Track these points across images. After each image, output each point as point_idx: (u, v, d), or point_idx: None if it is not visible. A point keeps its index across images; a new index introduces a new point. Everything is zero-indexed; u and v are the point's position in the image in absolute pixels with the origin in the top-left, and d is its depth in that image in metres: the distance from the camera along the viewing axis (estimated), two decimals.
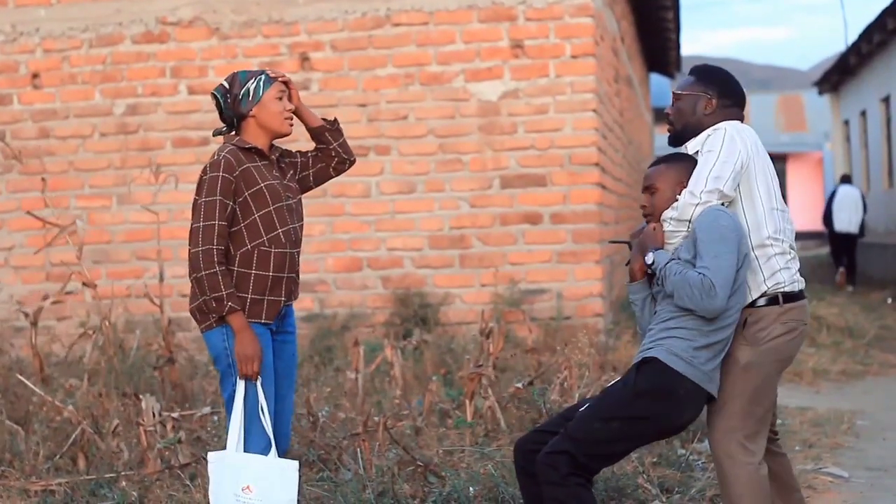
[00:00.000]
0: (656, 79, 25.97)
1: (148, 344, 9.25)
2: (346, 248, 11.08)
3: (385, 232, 11.05)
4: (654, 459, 6.66)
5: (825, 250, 23.72)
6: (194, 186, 4.93)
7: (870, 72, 23.73)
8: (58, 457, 6.78)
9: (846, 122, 27.63)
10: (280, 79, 5.00)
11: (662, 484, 6.28)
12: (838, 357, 11.45)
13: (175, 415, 6.93)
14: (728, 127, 4.71)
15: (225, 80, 5.03)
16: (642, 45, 19.89)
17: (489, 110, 10.94)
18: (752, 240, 4.64)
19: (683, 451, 6.94)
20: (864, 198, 21.17)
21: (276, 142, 5.09)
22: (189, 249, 4.85)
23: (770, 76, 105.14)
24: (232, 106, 4.96)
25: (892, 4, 19.62)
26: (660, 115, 29.90)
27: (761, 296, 4.65)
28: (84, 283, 8.02)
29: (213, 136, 5.18)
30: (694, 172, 4.65)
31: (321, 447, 6.61)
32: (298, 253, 5.05)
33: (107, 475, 6.48)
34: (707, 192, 4.56)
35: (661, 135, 32.51)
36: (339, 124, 5.24)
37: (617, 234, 12.56)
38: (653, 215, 4.76)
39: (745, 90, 5.00)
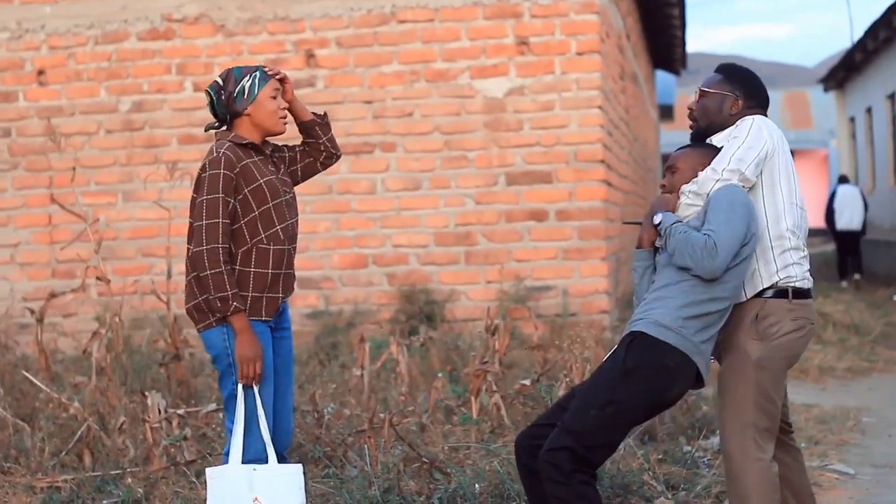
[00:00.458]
0: (662, 76, 25.94)
1: (154, 340, 9.26)
2: (352, 244, 11.08)
3: (391, 229, 11.05)
4: (660, 456, 6.66)
5: (830, 247, 23.76)
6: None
7: (875, 69, 23.70)
8: (63, 453, 6.79)
9: (852, 120, 27.60)
10: (276, 76, 4.97)
11: (668, 481, 6.27)
12: (844, 354, 11.44)
13: (181, 411, 6.92)
14: (756, 118, 4.76)
15: (219, 76, 4.97)
16: (648, 41, 19.87)
17: (495, 107, 10.93)
18: (769, 231, 4.66)
19: (689, 448, 6.93)
20: (864, 195, 21.28)
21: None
22: (191, 248, 4.80)
23: (775, 73, 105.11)
24: (226, 103, 4.91)
25: None
26: (665, 112, 29.89)
27: (771, 286, 4.66)
28: (98, 278, 8.02)
29: (205, 131, 5.13)
30: (719, 155, 4.68)
31: (327, 444, 6.61)
32: (295, 248, 5.02)
33: (112, 472, 6.48)
34: (729, 170, 4.60)
35: (667, 132, 32.58)
36: (328, 118, 5.22)
37: (622, 231, 12.55)
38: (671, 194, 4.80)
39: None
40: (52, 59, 11.41)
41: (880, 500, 6.46)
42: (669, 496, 6.07)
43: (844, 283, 19.97)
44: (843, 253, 20.98)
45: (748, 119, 4.76)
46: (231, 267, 4.77)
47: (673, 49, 21.58)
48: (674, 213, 4.70)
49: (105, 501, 6.19)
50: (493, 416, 7.05)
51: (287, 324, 5.11)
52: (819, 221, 21.59)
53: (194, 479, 6.22)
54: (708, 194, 4.61)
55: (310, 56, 11.14)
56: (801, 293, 4.71)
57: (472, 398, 7.07)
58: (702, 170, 4.72)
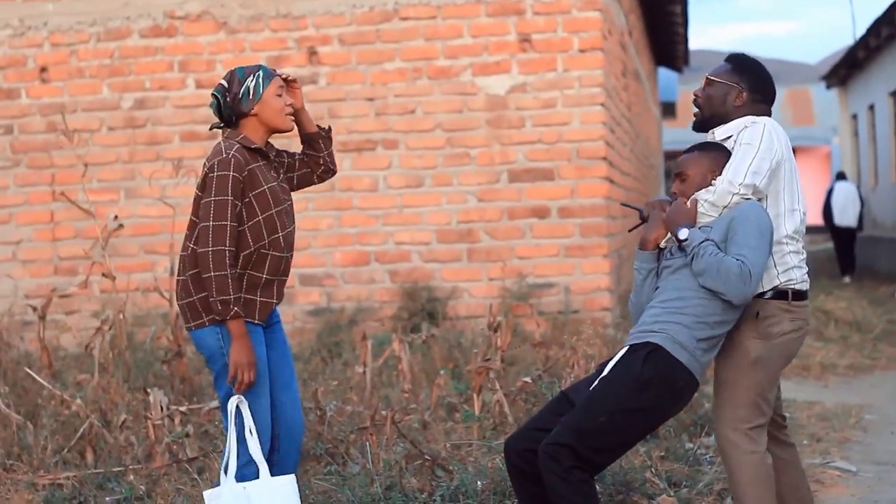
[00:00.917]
0: (664, 73, 25.93)
1: (156, 337, 9.26)
2: (354, 242, 11.08)
3: (393, 226, 11.05)
4: (662, 453, 6.67)
5: (832, 244, 23.81)
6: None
7: (878, 66, 23.67)
8: (66, 450, 6.79)
9: (854, 117, 27.57)
10: (284, 78, 4.97)
11: (670, 478, 6.28)
12: (846, 351, 11.44)
13: (183, 409, 6.94)
14: (767, 123, 4.73)
15: (224, 78, 4.95)
16: (650, 39, 19.86)
17: (497, 104, 10.93)
18: None
19: (691, 446, 6.94)
20: (860, 192, 21.38)
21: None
22: (190, 246, 4.81)
23: (778, 70, 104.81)
24: (232, 105, 4.89)
25: None
26: (668, 110, 29.88)
27: (772, 289, 4.67)
28: (104, 275, 8.03)
29: (210, 130, 5.12)
30: (732, 161, 4.66)
31: (329, 441, 6.62)
32: (292, 256, 5.02)
33: (115, 469, 6.49)
34: (745, 185, 4.58)
35: (669, 129, 32.57)
36: (331, 132, 5.21)
37: (624, 228, 12.55)
38: None
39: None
40: (54, 57, 11.41)
41: (882, 497, 6.46)
42: (671, 493, 6.07)
43: (847, 279, 20.02)
44: (841, 248, 21.11)
45: (760, 123, 4.72)
46: (234, 271, 4.76)
47: (675, 46, 21.58)
48: (695, 223, 4.67)
49: (107, 498, 6.20)
50: (496, 414, 7.05)
51: (276, 318, 5.10)
52: (818, 219, 21.68)
53: (196, 476, 6.23)
54: (726, 206, 4.60)
55: (312, 53, 11.14)
56: (799, 295, 4.73)
57: (474, 395, 7.08)
58: (712, 176, 4.69)
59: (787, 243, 4.70)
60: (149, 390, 6.79)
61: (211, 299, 4.73)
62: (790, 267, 4.69)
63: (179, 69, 11.28)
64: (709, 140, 4.90)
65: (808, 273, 4.81)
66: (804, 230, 4.82)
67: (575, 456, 4.42)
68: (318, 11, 11.13)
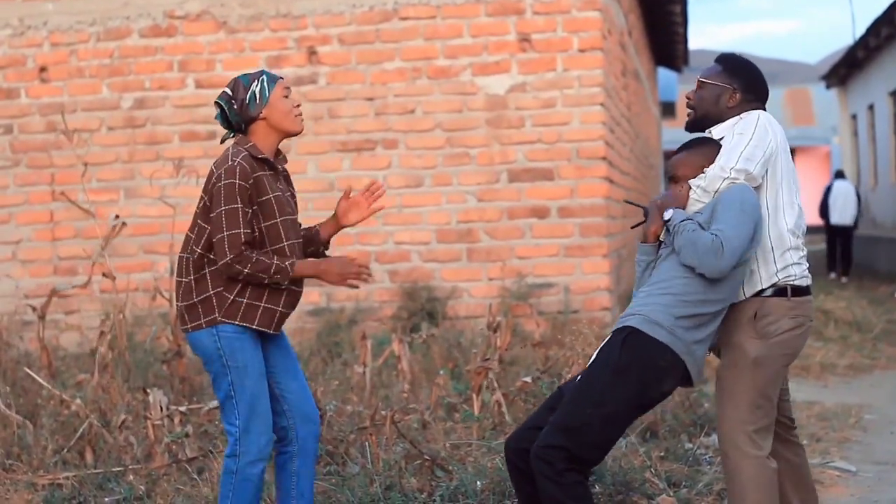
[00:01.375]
0: (663, 72, 25.93)
1: (156, 337, 9.26)
2: (354, 241, 11.07)
3: (392, 226, 11.05)
4: (662, 453, 6.67)
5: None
6: (203, 180, 4.88)
7: (878, 66, 23.69)
8: (65, 450, 6.79)
9: (854, 116, 27.58)
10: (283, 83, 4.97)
11: (670, 478, 6.28)
12: (846, 351, 11.44)
13: (183, 409, 6.93)
14: (761, 115, 4.73)
15: (227, 86, 4.92)
16: (649, 38, 19.86)
17: (497, 104, 10.93)
18: (770, 232, 4.66)
19: (691, 446, 6.94)
20: (858, 192, 21.44)
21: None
22: (198, 250, 4.78)
23: (777, 70, 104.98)
24: (239, 111, 4.86)
25: None
26: (667, 109, 29.88)
27: (771, 286, 4.66)
28: (104, 275, 8.03)
29: (221, 143, 5.02)
30: (725, 149, 4.66)
31: (328, 441, 6.61)
32: None
33: (114, 469, 6.49)
34: (737, 169, 4.57)
35: (669, 129, 32.57)
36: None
37: (624, 227, 12.56)
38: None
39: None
40: (54, 56, 11.41)
41: (882, 497, 6.46)
42: (671, 493, 6.07)
43: (833, 276, 20.28)
44: (834, 247, 21.24)
45: (753, 114, 4.73)
46: (258, 255, 4.75)
47: (675, 46, 21.59)
48: (684, 208, 4.68)
49: (107, 499, 6.20)
50: (495, 414, 7.05)
51: None
52: (817, 218, 21.73)
53: (196, 476, 6.23)
54: (716, 192, 4.60)
55: (312, 53, 11.14)
56: (800, 290, 4.71)
57: (474, 395, 7.08)
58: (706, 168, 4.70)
59: (787, 238, 4.67)
60: (148, 390, 6.79)
61: (266, 281, 4.76)
62: (789, 264, 4.67)
63: (179, 69, 11.28)
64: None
65: (808, 269, 4.80)
66: (804, 226, 4.81)
67: (568, 457, 4.40)
68: (318, 11, 11.13)
